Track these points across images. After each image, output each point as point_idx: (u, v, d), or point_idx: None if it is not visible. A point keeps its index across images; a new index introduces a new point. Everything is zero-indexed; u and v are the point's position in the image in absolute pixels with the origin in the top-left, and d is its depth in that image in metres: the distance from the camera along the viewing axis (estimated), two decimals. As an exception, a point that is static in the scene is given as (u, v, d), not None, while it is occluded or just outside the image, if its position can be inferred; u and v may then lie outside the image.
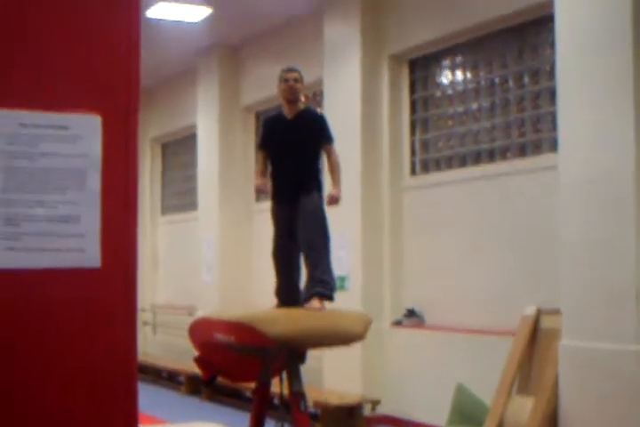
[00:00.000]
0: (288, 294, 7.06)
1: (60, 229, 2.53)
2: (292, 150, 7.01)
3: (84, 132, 2.57)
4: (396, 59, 10.75)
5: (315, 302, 6.67)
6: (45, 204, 2.51)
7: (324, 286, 6.76)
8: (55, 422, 2.53)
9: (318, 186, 6.99)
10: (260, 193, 7.32)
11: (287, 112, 7.08)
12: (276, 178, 7.10)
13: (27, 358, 2.49)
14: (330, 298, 6.80)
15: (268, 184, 7.09)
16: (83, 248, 2.55)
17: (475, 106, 9.89)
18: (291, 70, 7.05)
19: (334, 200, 6.91)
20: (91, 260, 2.55)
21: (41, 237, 2.50)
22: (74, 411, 2.55)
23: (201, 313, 12.35)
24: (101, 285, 2.56)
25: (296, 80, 6.96)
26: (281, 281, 7.12)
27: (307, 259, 6.89)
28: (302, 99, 7.16)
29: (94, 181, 2.57)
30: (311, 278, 6.82)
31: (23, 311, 2.49)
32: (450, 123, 10.22)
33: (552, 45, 8.42)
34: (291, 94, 7.01)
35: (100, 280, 2.55)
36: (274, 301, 7.17)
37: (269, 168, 7.16)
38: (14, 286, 2.48)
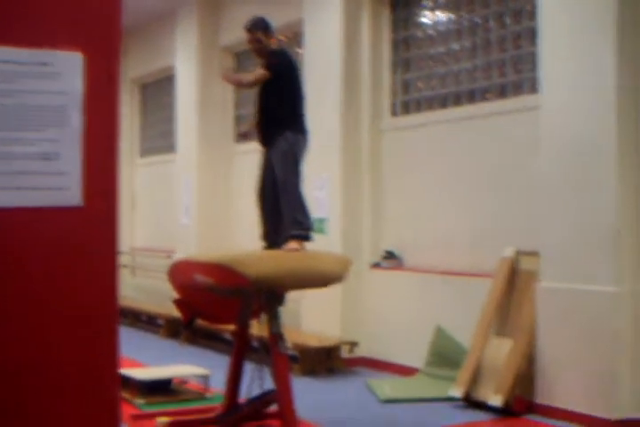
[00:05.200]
0: (274, 237, 7.07)
1: (40, 167, 2.49)
2: (262, 91, 7.17)
3: (64, 69, 2.53)
4: (376, -2, 10.65)
5: (292, 244, 6.69)
6: (23, 141, 2.46)
7: (300, 227, 6.79)
8: (36, 361, 2.53)
9: (293, 126, 7.02)
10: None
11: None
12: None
13: (6, 296, 2.48)
14: (306, 239, 6.82)
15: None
16: (63, 186, 2.51)
17: (456, 46, 9.81)
18: (246, 31, 7.27)
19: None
20: (72, 198, 2.52)
21: (19, 175, 2.46)
22: (56, 348, 2.55)
23: (180, 256, 12.35)
24: (83, 223, 2.53)
25: (249, 42, 7.24)
26: (266, 223, 7.13)
27: (281, 198, 6.92)
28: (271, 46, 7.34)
29: (75, 119, 2.53)
30: (286, 219, 6.84)
31: (2, 251, 2.47)
32: (431, 63, 10.14)
33: (534, -15, 8.36)
34: (254, 53, 7.42)
35: (81, 219, 2.53)
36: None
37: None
38: (-6, 225, 2.46)
